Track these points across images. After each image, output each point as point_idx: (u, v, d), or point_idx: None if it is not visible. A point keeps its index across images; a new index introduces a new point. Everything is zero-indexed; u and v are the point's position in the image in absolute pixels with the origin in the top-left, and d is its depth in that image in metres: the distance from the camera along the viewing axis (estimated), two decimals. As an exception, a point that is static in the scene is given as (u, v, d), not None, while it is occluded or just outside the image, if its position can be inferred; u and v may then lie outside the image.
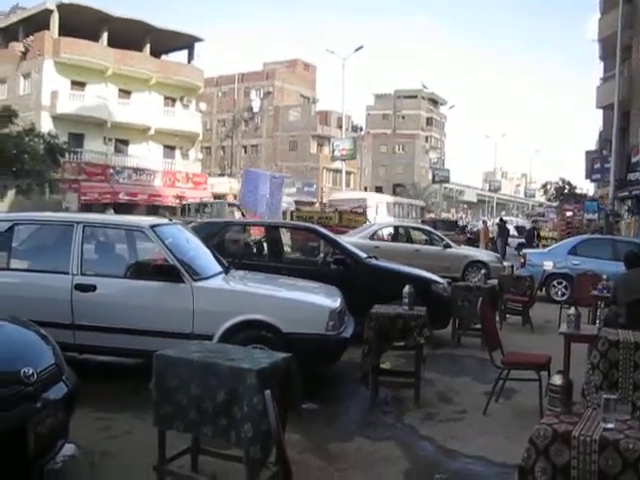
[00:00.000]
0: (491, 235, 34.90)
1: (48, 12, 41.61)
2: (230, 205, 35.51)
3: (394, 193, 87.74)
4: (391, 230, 22.37)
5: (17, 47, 43.16)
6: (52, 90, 41.37)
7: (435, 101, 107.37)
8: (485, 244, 31.49)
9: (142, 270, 7.48)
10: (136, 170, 44.28)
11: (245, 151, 74.51)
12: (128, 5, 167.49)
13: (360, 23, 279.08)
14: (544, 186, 59.17)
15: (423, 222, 36.77)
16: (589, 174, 39.62)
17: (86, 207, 37.60)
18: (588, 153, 40.93)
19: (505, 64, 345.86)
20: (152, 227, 7.59)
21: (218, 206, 35.32)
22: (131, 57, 44.54)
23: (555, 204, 52.57)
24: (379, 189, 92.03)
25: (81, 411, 5.25)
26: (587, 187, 53.30)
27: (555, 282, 16.86)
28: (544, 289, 16.49)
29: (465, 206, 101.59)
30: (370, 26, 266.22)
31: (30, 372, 4.22)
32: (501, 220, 38.28)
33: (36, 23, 41.85)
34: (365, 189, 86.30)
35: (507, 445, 5.87)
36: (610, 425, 3.59)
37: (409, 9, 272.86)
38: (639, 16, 32.40)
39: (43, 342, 4.86)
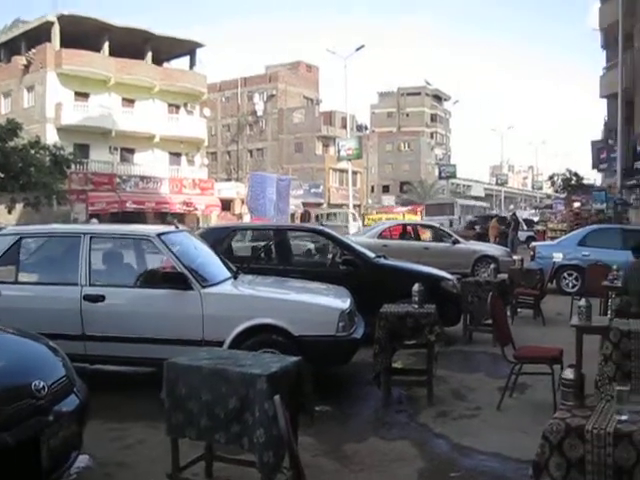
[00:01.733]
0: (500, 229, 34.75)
1: (49, 24, 41.81)
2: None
3: (401, 191, 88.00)
4: (399, 228, 22.32)
5: (20, 60, 43.39)
6: (56, 102, 41.55)
7: (439, 97, 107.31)
8: (494, 238, 31.35)
9: (150, 278, 7.50)
10: (142, 178, 44.38)
11: (251, 155, 74.55)
12: (127, 13, 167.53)
13: (361, 21, 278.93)
14: (551, 178, 58.90)
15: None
16: (596, 164, 39.49)
17: (94, 217, 37.70)
18: (594, 143, 40.69)
19: (508, 57, 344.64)
20: (159, 235, 7.60)
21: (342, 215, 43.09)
22: (133, 66, 44.67)
23: (563, 195, 52.42)
24: (386, 188, 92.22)
25: (94, 422, 5.25)
26: (594, 177, 53.12)
27: (565, 274, 16.80)
28: (555, 281, 16.43)
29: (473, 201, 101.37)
30: (371, 24, 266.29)
31: (41, 385, 4.22)
32: (514, 214, 38.35)
33: (38, 36, 42.07)
34: (372, 188, 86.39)
35: (522, 440, 5.83)
36: (624, 417, 3.56)
37: (409, 6, 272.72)
38: (639, 3, 32.21)
39: (53, 354, 4.87)
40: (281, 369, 4.48)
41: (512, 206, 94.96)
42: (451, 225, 40.33)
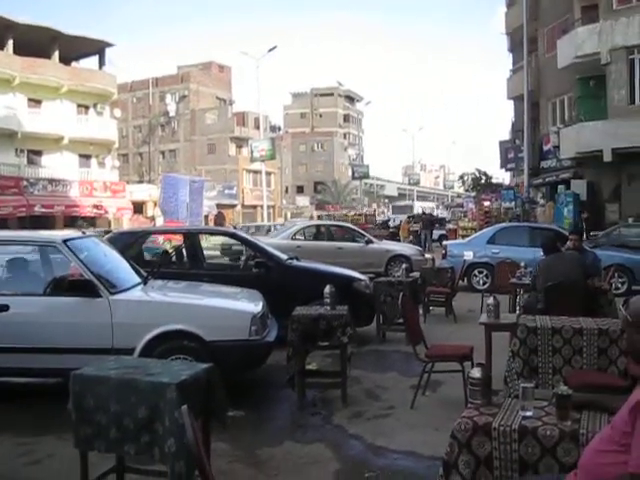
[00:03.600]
0: (413, 228, 35.31)
1: (-52, 21, 40.21)
2: None
3: (315, 191, 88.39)
4: (313, 229, 22.37)
5: None
6: (-44, 102, 40.00)
7: (351, 98, 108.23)
8: (404, 237, 31.83)
9: (57, 286, 7.25)
10: (51, 181, 43.16)
11: (163, 156, 73.50)
12: (35, 12, 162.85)
13: (273, 22, 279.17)
14: (461, 177, 60.16)
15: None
16: (504, 164, 40.50)
17: (0, 222, 36.50)
18: (502, 143, 41.71)
19: (419, 59, 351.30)
20: (65, 241, 7.37)
21: None
22: (39, 65, 43.29)
23: (473, 194, 53.58)
24: (300, 188, 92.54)
25: (0, 438, 5.07)
26: (503, 176, 54.45)
27: (476, 271, 17.19)
28: (466, 279, 16.79)
29: (386, 200, 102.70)
30: (284, 25, 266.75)
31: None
32: (424, 213, 39.01)
33: (-64, 33, 40.39)
34: (286, 189, 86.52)
35: (435, 438, 5.91)
36: (528, 413, 3.64)
37: (321, 6, 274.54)
38: (542, 8, 33.29)
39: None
40: (191, 377, 4.41)
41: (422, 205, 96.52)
42: None
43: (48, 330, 6.95)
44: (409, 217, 39.40)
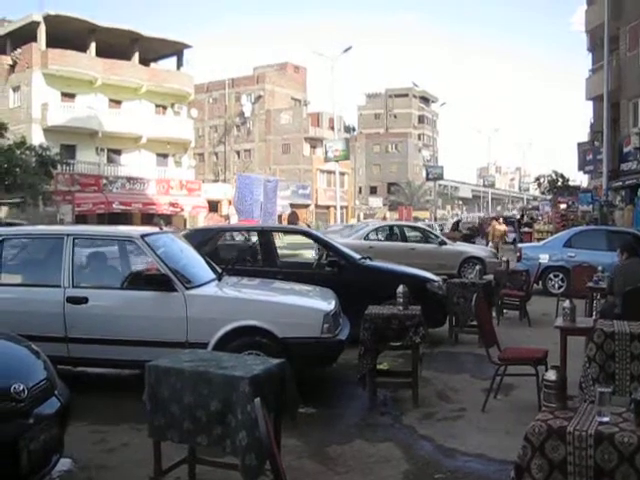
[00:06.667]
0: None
1: (35, 24, 41.54)
2: None
3: (388, 192, 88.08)
4: (386, 229, 22.29)
5: (5, 60, 43.08)
6: (42, 102, 41.27)
7: (426, 99, 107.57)
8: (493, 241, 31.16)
9: (134, 280, 7.45)
10: (129, 179, 44.19)
11: (238, 156, 74.35)
12: (114, 15, 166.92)
13: (348, 23, 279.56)
14: (537, 179, 59.01)
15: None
16: (582, 166, 39.55)
17: (81, 218, 37.54)
18: (580, 145, 40.75)
19: (495, 60, 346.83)
20: (143, 237, 7.55)
21: None
22: (120, 66, 44.46)
23: (549, 197, 52.58)
24: (373, 189, 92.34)
25: (77, 425, 5.23)
26: (580, 179, 53.24)
27: (551, 275, 16.87)
28: (541, 282, 16.50)
29: (460, 202, 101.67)
30: (359, 26, 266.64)
31: (21, 388, 4.17)
32: (522, 215, 38.97)
33: (23, 35, 41.78)
34: (359, 189, 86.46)
35: (506, 441, 5.84)
36: (605, 419, 3.55)
37: (395, 7, 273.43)
38: (625, 7, 32.36)
39: (34, 357, 4.82)
40: (264, 371, 4.46)
41: (499, 207, 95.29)
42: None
43: (125, 323, 7.14)
44: (495, 218, 38.31)
